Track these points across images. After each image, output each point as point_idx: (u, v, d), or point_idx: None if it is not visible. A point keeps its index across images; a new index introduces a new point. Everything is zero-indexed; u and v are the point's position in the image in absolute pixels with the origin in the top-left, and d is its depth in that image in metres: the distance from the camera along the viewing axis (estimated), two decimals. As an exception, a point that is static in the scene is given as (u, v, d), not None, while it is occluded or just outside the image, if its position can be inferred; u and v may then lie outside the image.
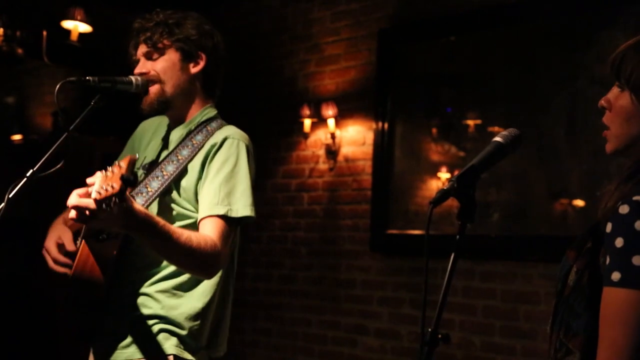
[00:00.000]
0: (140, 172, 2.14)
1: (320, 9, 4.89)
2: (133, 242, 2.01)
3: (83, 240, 1.99)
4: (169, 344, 2.02)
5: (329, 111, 4.61)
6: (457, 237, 1.46)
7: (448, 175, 4.20)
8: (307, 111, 4.73)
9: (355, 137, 4.61)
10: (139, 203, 1.94)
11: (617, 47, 1.50)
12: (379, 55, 4.52)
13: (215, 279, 2.08)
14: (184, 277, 2.06)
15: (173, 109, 2.16)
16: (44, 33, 4.68)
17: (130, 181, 1.57)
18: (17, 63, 4.64)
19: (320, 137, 4.76)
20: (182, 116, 2.18)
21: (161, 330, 2.03)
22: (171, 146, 2.15)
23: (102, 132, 4.47)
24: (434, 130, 4.32)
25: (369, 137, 4.53)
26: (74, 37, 4.57)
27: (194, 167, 2.06)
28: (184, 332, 2.03)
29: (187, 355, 2.03)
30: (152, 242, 1.87)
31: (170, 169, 2.06)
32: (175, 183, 2.06)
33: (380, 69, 4.50)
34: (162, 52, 2.12)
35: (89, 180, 1.68)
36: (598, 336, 1.37)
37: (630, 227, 1.34)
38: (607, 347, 1.35)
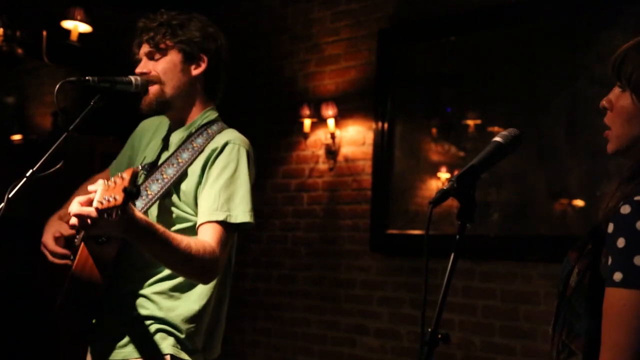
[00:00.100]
0: (140, 173, 2.15)
1: (320, 9, 4.89)
2: (131, 244, 2.01)
3: (82, 243, 2.00)
4: (166, 344, 2.02)
5: (329, 111, 4.61)
6: (457, 237, 1.46)
7: (448, 175, 4.20)
8: (307, 111, 4.73)
9: (355, 137, 4.61)
10: (139, 206, 1.94)
11: (617, 47, 1.50)
12: (379, 55, 4.52)
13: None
14: (181, 278, 2.06)
15: (173, 110, 2.16)
16: (44, 33, 4.68)
17: (133, 194, 1.58)
18: (17, 63, 4.64)
19: (320, 137, 4.76)
20: (182, 118, 2.18)
21: (158, 330, 2.03)
22: (171, 148, 2.14)
23: (102, 132, 4.48)
24: (434, 130, 4.31)
25: (369, 137, 4.53)
26: (73, 37, 4.57)
27: (194, 171, 2.06)
28: (180, 334, 2.04)
29: (183, 355, 2.03)
30: (151, 248, 1.87)
31: (170, 172, 2.06)
32: (175, 186, 2.06)
33: (380, 69, 4.50)
34: (164, 53, 2.12)
35: (90, 188, 1.69)
36: (600, 337, 1.37)
37: (632, 227, 1.34)
38: (609, 348, 1.35)
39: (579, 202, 3.76)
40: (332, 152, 4.68)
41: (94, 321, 2.08)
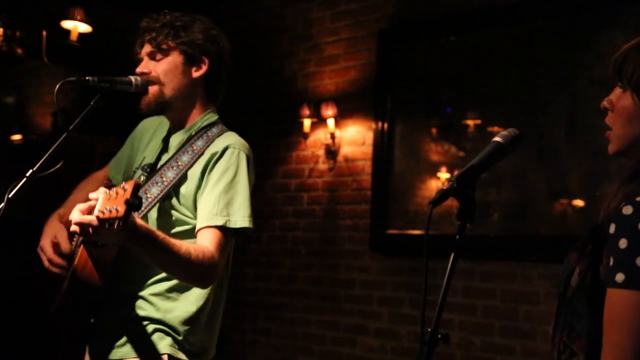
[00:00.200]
0: (140, 173, 2.15)
1: (320, 9, 4.89)
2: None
3: (82, 245, 2.01)
4: (163, 344, 2.03)
5: (329, 111, 4.61)
6: (457, 237, 1.46)
7: (448, 175, 4.20)
8: (306, 111, 4.73)
9: (355, 137, 4.61)
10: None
11: (617, 47, 1.50)
12: (378, 55, 4.52)
13: None
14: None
15: (173, 111, 2.16)
16: (44, 33, 4.67)
17: (135, 206, 1.58)
18: (17, 63, 4.64)
19: (320, 137, 4.75)
20: (182, 120, 2.18)
21: (156, 331, 2.04)
22: (171, 151, 2.14)
23: (102, 132, 4.47)
24: (434, 130, 4.31)
25: (369, 137, 4.53)
26: (73, 37, 4.57)
27: (194, 174, 2.06)
28: (178, 335, 2.04)
29: (181, 355, 2.04)
30: (152, 254, 1.88)
31: (170, 175, 2.06)
32: (174, 189, 2.06)
33: (380, 69, 4.50)
34: (165, 54, 2.11)
35: (91, 195, 1.69)
36: (602, 338, 1.36)
37: (634, 228, 1.34)
38: (611, 349, 1.34)
39: (579, 202, 3.76)
40: (332, 152, 4.68)
41: (92, 320, 2.08)
